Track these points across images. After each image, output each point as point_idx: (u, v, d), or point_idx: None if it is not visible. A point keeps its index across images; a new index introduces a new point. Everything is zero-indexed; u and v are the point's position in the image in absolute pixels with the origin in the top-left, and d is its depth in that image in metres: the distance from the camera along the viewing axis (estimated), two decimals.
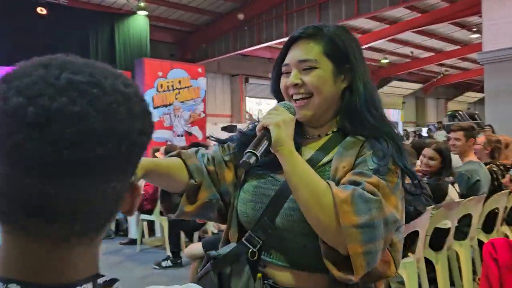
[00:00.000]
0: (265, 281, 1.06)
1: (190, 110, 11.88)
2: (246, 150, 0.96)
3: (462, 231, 3.27)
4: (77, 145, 0.42)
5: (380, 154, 1.00)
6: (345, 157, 1.02)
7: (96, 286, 0.48)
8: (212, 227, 4.50)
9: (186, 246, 4.04)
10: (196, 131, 12.01)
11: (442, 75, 19.87)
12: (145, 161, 1.01)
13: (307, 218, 0.96)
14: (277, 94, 1.16)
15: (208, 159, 1.17)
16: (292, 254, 1.04)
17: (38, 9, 10.05)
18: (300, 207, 0.97)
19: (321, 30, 1.07)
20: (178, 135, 11.62)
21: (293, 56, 1.08)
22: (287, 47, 1.11)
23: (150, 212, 4.86)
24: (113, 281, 0.51)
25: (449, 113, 18.27)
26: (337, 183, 0.98)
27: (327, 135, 1.11)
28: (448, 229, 3.07)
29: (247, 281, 1.04)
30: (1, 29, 9.59)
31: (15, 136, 0.41)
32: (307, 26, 1.09)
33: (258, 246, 1.05)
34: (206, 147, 7.08)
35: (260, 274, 1.06)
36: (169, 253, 4.55)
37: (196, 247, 3.30)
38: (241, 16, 11.87)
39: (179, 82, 11.64)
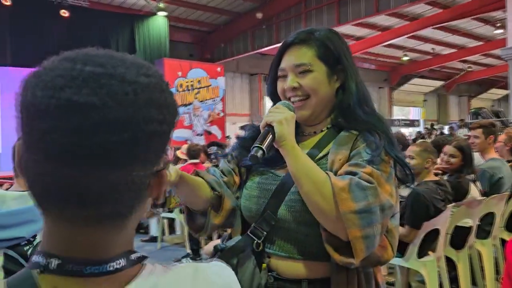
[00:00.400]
0: (269, 273, 1.12)
1: (209, 109, 11.97)
2: (253, 145, 1.03)
3: (484, 230, 3.22)
4: (96, 133, 0.44)
5: (373, 146, 1.07)
6: (340, 150, 1.09)
7: (129, 261, 0.51)
8: None
9: (205, 244, 4.08)
10: (215, 130, 12.09)
11: (464, 71, 19.49)
12: (179, 170, 1.09)
13: (309, 207, 1.03)
14: (274, 97, 1.24)
15: (220, 172, 1.26)
16: (295, 244, 1.10)
17: (61, 12, 10.27)
18: (302, 197, 1.04)
19: (313, 35, 1.15)
20: (198, 134, 11.71)
21: (288, 60, 1.15)
22: (281, 52, 1.18)
23: (170, 211, 4.92)
24: (144, 257, 0.54)
25: (472, 110, 17.88)
26: (335, 175, 1.04)
27: (322, 131, 1.18)
28: (470, 228, 3.02)
29: (252, 271, 1.10)
30: (26, 32, 9.85)
31: (41, 126, 0.45)
32: (300, 31, 1.17)
33: (263, 237, 1.11)
34: (225, 146, 7.12)
35: (265, 265, 1.12)
36: (189, 251, 4.60)
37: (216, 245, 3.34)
38: (259, 15, 11.88)
39: (199, 81, 11.74)
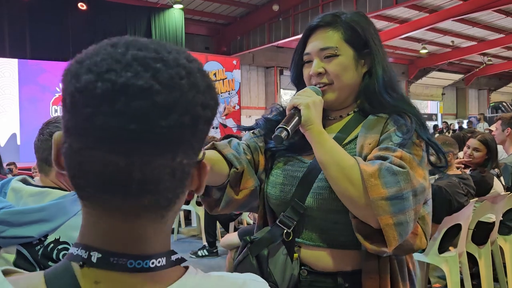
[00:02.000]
0: (302, 267, 1.09)
1: (225, 102, 11.96)
2: (278, 126, 1.00)
3: (507, 226, 3.15)
4: (141, 117, 0.43)
5: (404, 129, 1.02)
6: (370, 134, 1.05)
7: (169, 261, 0.50)
8: (247, 217, 4.52)
9: (222, 236, 4.09)
10: (230, 123, 12.09)
11: (484, 65, 19.08)
12: None
13: (338, 194, 1.00)
14: (298, 83, 1.19)
15: (244, 148, 1.19)
16: (324, 232, 1.07)
17: (79, 5, 10.34)
18: (330, 184, 1.01)
19: (339, 17, 1.10)
20: (213, 127, 11.73)
21: (314, 45, 1.11)
22: (306, 36, 1.13)
23: (187, 202, 4.94)
24: (183, 260, 0.52)
25: (492, 104, 17.57)
26: (364, 160, 1.01)
27: (348, 115, 1.14)
28: (493, 223, 2.96)
29: (284, 262, 1.08)
30: (44, 25, 9.95)
31: (86, 110, 0.44)
32: (325, 14, 1.12)
33: (292, 226, 1.08)
34: (240, 138, 7.13)
35: (297, 254, 1.10)
36: (205, 243, 4.62)
37: (232, 237, 3.33)
38: (276, 8, 11.79)
39: (214, 74, 11.74)
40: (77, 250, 0.48)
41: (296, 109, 1.03)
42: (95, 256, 0.46)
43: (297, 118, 1.02)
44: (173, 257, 0.51)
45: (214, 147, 1.15)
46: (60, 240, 1.31)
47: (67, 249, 1.30)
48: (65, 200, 1.35)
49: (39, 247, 1.33)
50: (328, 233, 1.06)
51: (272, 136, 1.01)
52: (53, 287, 0.46)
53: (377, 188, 0.92)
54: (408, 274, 1.09)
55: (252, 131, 1.25)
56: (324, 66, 1.09)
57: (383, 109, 1.08)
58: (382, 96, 1.09)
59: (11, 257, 1.34)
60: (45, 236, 1.33)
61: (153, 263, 0.48)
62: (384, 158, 0.97)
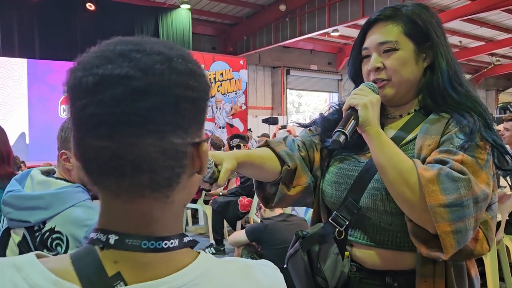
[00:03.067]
0: (352, 263, 1.08)
1: (232, 102, 12.00)
2: (335, 130, 0.97)
3: None
4: (120, 102, 0.48)
5: (467, 130, 0.97)
6: (429, 135, 1.00)
7: (181, 243, 0.54)
8: (254, 216, 4.55)
9: (228, 235, 4.12)
10: (237, 123, 12.12)
11: (493, 65, 18.95)
12: (238, 153, 1.04)
13: (394, 197, 0.96)
14: (356, 78, 1.16)
15: (298, 145, 1.17)
16: (377, 233, 1.05)
17: (87, 5, 10.42)
18: (386, 186, 0.98)
19: (399, 10, 1.06)
20: (220, 127, 11.77)
21: (372, 39, 1.07)
22: (365, 30, 1.10)
23: (194, 201, 4.98)
24: (195, 242, 0.56)
25: (500, 105, 17.41)
26: (423, 162, 0.96)
27: (408, 114, 1.10)
28: (499, 223, 2.96)
29: (335, 259, 1.07)
30: (53, 26, 10.03)
31: (79, 102, 0.49)
32: (385, 7, 1.08)
33: (345, 225, 1.07)
34: (247, 138, 7.13)
35: (348, 253, 1.09)
36: (212, 241, 4.65)
37: (240, 235, 3.36)
38: (282, 8, 11.80)
39: (221, 74, 11.77)
40: (96, 234, 0.52)
41: (353, 110, 0.99)
42: (112, 238, 0.51)
43: (354, 119, 0.98)
44: (185, 239, 0.54)
45: (267, 145, 1.14)
46: (55, 229, 1.36)
47: (60, 239, 1.34)
48: (63, 191, 1.40)
49: (38, 233, 1.38)
50: (382, 234, 1.04)
51: (331, 141, 0.98)
52: (79, 267, 0.50)
53: (436, 194, 0.88)
54: (469, 280, 1.04)
55: (308, 128, 1.24)
56: (383, 61, 1.05)
57: (447, 106, 1.03)
58: (446, 91, 1.03)
59: (17, 238, 1.41)
60: (44, 224, 1.38)
61: (166, 244, 0.52)
62: (444, 162, 0.92)
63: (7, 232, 1.44)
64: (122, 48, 0.50)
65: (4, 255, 1.42)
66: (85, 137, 0.50)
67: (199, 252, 0.55)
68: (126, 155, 0.49)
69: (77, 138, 0.51)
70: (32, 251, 1.50)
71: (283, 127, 11.08)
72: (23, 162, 6.59)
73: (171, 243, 0.52)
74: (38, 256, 0.52)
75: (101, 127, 0.48)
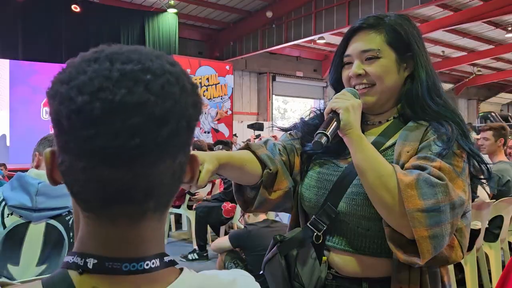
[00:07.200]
0: (328, 270, 1.08)
1: (217, 107, 11.99)
2: (317, 132, 0.98)
3: (492, 233, 3.21)
4: (142, 132, 0.44)
5: (444, 138, 0.99)
6: (408, 141, 1.02)
7: (162, 263, 0.51)
8: (238, 221, 4.54)
9: (212, 240, 4.10)
10: (222, 128, 12.10)
11: (474, 75, 19.34)
12: (220, 154, 1.04)
13: (373, 201, 0.97)
14: (337, 85, 1.17)
15: (279, 149, 1.17)
16: (355, 238, 1.05)
17: (73, 7, 10.32)
18: (366, 190, 0.98)
19: (382, 20, 1.08)
20: (205, 132, 11.74)
21: (355, 46, 1.08)
22: (348, 38, 1.11)
23: (177, 206, 4.95)
24: (174, 262, 0.54)
25: (481, 114, 17.73)
26: (401, 168, 0.98)
27: (388, 120, 1.12)
28: (478, 230, 3.01)
29: (313, 264, 1.07)
30: (37, 26, 9.91)
31: (86, 131, 0.44)
32: (368, 16, 1.10)
33: (323, 230, 1.07)
34: (231, 144, 7.13)
35: (326, 258, 1.09)
36: (195, 246, 4.63)
37: (223, 241, 3.35)
38: (269, 14, 11.87)
39: (207, 79, 11.76)
40: (72, 258, 0.49)
41: (334, 113, 1.00)
42: (90, 262, 0.48)
43: (336, 122, 0.98)
44: (166, 259, 0.52)
45: (248, 147, 1.14)
46: None
47: None
48: None
49: (69, 217, 1.50)
50: (360, 240, 1.04)
51: (312, 142, 0.99)
52: None
53: (414, 199, 0.90)
54: (442, 286, 1.05)
55: (289, 132, 1.24)
56: (365, 68, 1.06)
57: (425, 115, 1.05)
58: (425, 101, 1.04)
59: (40, 229, 1.50)
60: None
61: (147, 264, 0.49)
62: (422, 168, 0.94)
63: (24, 227, 1.47)
64: (123, 67, 0.45)
65: (19, 250, 1.46)
66: (95, 168, 0.45)
67: (182, 269, 0.54)
68: (140, 184, 0.46)
69: (81, 167, 0.46)
70: (63, 237, 1.54)
71: (258, 136, 11.10)
72: (3, 164, 6.46)
73: (153, 263, 0.50)
74: (4, 285, 0.50)
75: (114, 158, 0.44)
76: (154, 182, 0.47)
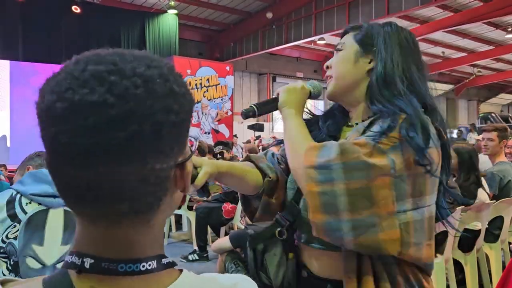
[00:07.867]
0: (302, 270, 1.12)
1: (218, 108, 12.00)
2: (250, 104, 1.13)
3: (493, 234, 3.21)
4: (98, 132, 0.44)
5: (385, 126, 0.95)
6: (358, 131, 1.04)
7: (160, 265, 0.51)
8: (239, 222, 4.54)
9: (212, 241, 4.10)
10: (223, 128, 12.12)
11: (474, 76, 19.35)
12: (220, 162, 1.10)
13: (291, 170, 1.04)
14: None
15: (278, 158, 1.23)
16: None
17: (73, 8, 10.34)
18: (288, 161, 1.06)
19: (367, 23, 1.15)
20: (205, 133, 11.74)
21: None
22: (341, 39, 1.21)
23: (178, 207, 4.95)
24: (174, 263, 0.53)
25: (482, 115, 17.77)
26: None
27: (363, 121, 1.14)
28: (479, 231, 3.01)
29: (280, 259, 1.12)
30: (37, 27, 9.93)
31: (51, 130, 0.46)
32: (355, 24, 1.18)
33: (286, 225, 1.12)
34: (231, 144, 7.14)
35: (292, 254, 1.13)
36: (196, 247, 4.62)
37: (224, 241, 3.35)
38: (270, 15, 11.89)
39: (207, 80, 11.77)
40: (71, 258, 0.49)
41: (278, 95, 1.13)
42: (87, 262, 0.48)
43: (274, 101, 1.13)
44: (164, 261, 0.52)
45: (249, 159, 1.21)
46: None
47: None
48: None
49: None
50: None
51: (240, 112, 1.09)
52: None
53: (310, 157, 0.94)
54: (406, 280, 0.99)
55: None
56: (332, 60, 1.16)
57: (382, 106, 1.03)
58: (380, 92, 1.04)
59: (59, 215, 1.57)
60: None
61: (143, 266, 0.49)
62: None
63: (44, 213, 1.55)
64: (95, 68, 0.46)
65: (43, 232, 1.53)
66: (59, 166, 0.47)
67: (181, 271, 0.53)
68: (103, 185, 0.46)
69: (51, 165, 0.48)
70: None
71: (258, 137, 11.12)
72: (3, 165, 6.45)
73: (149, 265, 0.50)
74: (4, 282, 0.50)
75: (76, 156, 0.45)
76: (120, 185, 0.46)
